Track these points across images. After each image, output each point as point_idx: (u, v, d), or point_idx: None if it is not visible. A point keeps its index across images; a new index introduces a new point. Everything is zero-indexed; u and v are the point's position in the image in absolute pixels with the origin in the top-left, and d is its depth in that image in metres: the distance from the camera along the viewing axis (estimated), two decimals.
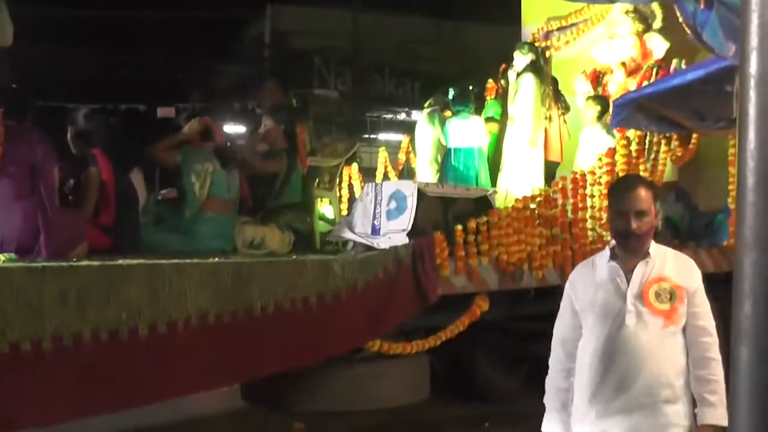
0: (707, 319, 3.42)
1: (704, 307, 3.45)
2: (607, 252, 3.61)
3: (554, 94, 9.34)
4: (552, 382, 3.73)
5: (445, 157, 9.44)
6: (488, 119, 9.65)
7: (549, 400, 3.71)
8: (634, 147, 8.44)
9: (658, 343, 3.38)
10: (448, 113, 9.56)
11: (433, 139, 9.67)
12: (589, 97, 9.45)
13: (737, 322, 1.55)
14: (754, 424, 1.54)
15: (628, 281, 3.46)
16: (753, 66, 1.52)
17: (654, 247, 3.52)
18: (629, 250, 3.48)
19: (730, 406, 1.65)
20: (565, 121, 9.61)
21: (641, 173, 8.47)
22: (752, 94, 1.52)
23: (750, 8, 1.53)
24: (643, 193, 3.46)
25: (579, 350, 3.60)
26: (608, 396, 3.43)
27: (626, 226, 3.39)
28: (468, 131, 9.31)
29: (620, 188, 3.64)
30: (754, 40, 1.52)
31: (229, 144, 7.01)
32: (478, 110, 9.67)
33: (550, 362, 3.76)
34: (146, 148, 6.30)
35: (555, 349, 3.76)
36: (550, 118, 9.18)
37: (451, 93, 9.73)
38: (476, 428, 8.02)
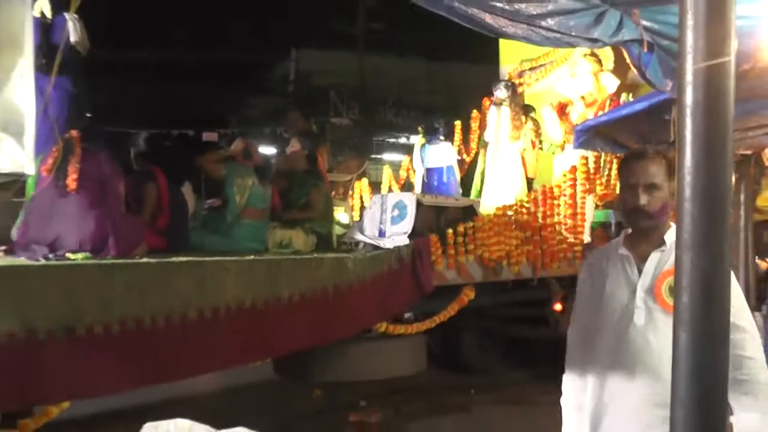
0: (738, 314, 2.34)
1: (733, 300, 2.03)
2: (621, 238, 2.75)
3: (527, 120, 9.31)
4: (568, 380, 2.86)
5: (424, 175, 9.47)
6: None
7: (565, 400, 2.88)
8: (591, 166, 8.47)
9: (669, 348, 2.28)
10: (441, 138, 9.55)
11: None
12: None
13: (678, 311, 1.55)
14: (692, 397, 1.54)
15: (640, 272, 2.59)
16: (689, 98, 1.54)
17: (672, 233, 2.51)
18: (640, 232, 2.63)
19: (672, 383, 1.60)
20: (539, 143, 9.60)
21: (597, 187, 8.51)
22: (688, 121, 1.54)
23: (686, 51, 1.55)
24: (655, 163, 2.56)
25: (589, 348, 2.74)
26: (603, 406, 2.62)
27: (634, 201, 2.54)
28: (438, 154, 9.33)
29: (630, 158, 2.71)
30: (689, 77, 1.53)
31: (272, 161, 7.01)
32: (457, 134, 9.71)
33: (567, 358, 2.87)
34: (196, 159, 6.29)
35: (571, 346, 2.86)
36: (523, 137, 9.18)
37: (420, 129, 9.92)
38: (464, 394, 8.04)
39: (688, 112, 1.53)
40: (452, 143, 9.49)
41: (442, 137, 9.40)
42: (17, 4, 1.93)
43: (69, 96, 5.39)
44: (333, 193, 8.84)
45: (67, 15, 5.26)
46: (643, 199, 2.51)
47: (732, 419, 2.40)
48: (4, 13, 1.90)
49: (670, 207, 2.48)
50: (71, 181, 4.66)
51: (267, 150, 10.38)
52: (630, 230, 2.72)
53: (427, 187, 9.15)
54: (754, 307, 8.74)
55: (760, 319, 8.45)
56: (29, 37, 1.93)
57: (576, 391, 2.78)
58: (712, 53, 1.53)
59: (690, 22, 1.53)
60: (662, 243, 2.55)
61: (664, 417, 2.16)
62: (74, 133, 4.80)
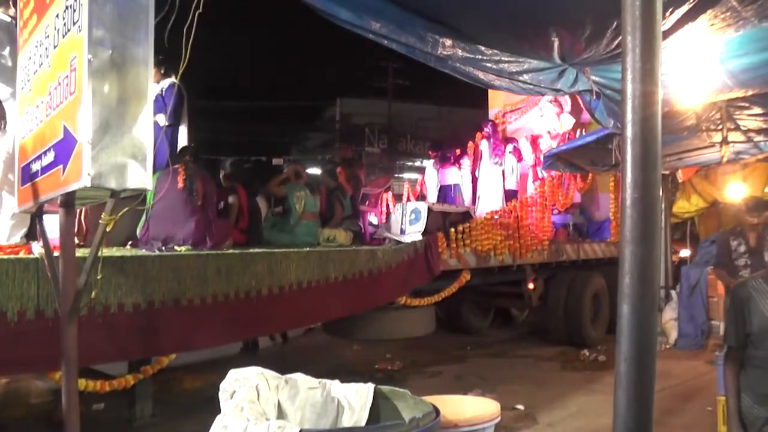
0: None
1: None
2: None
3: (509, 148, 9.22)
4: None
5: (439, 190, 9.45)
6: None
7: None
8: (555, 181, 8.45)
9: None
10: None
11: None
12: None
13: (621, 289, 1.54)
14: (632, 351, 1.52)
15: None
16: (629, 132, 1.53)
17: None
18: None
19: (617, 343, 1.55)
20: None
21: (559, 197, 8.49)
22: (629, 149, 1.53)
23: (627, 98, 1.54)
24: None
25: None
26: None
27: None
28: (449, 175, 9.35)
29: None
30: (629, 116, 1.53)
31: (319, 179, 7.02)
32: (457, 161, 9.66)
33: None
34: (265, 185, 6.35)
35: None
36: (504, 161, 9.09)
37: (432, 155, 10.01)
38: (462, 350, 8.00)
39: (629, 142, 1.52)
40: (459, 168, 9.44)
41: (449, 161, 9.44)
42: (142, 66, 1.97)
43: (176, 132, 5.48)
44: (366, 202, 8.84)
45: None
46: None
47: None
48: (133, 74, 1.94)
49: None
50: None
51: (317, 171, 10.44)
52: None
53: (440, 199, 9.13)
54: (671, 286, 8.72)
55: (675, 295, 8.37)
56: (150, 90, 1.97)
57: None
58: (646, 100, 1.52)
59: (630, 76, 1.53)
60: None
61: None
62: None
